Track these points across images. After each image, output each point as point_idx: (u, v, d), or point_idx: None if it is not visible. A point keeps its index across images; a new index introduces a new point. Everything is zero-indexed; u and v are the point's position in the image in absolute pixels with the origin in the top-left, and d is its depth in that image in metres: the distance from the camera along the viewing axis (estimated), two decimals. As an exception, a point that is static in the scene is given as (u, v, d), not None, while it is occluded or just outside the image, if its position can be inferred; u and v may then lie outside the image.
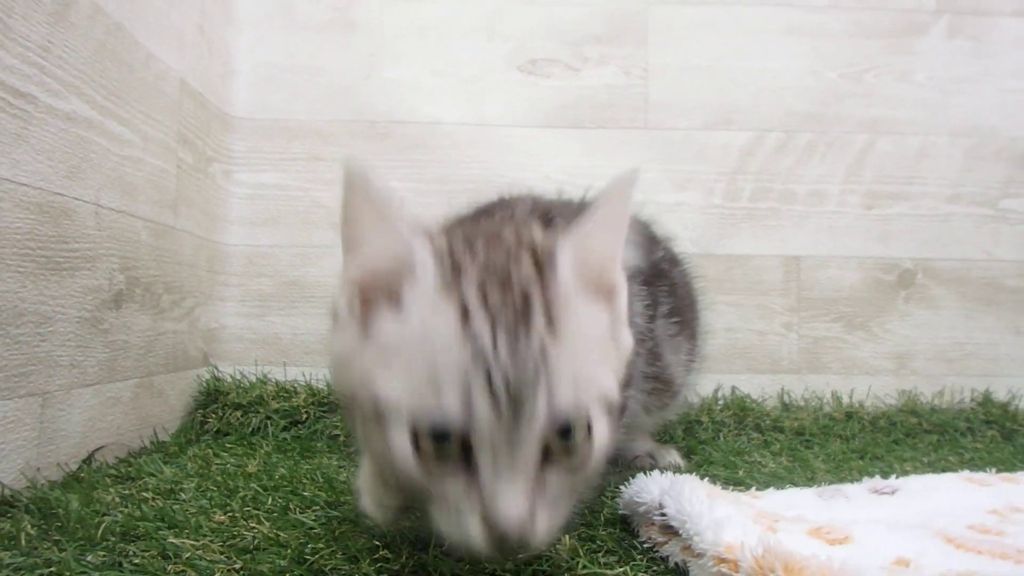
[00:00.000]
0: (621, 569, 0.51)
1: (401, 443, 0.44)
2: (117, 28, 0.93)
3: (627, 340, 0.54)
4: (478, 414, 0.43)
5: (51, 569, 0.52)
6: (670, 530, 0.56)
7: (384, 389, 0.45)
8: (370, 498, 0.57)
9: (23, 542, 0.58)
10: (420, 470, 0.44)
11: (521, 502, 0.43)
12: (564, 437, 0.45)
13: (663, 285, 0.82)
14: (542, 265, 0.49)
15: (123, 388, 0.98)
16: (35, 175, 0.77)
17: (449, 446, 0.44)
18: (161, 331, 1.09)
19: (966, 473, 0.75)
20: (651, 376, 0.79)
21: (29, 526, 0.62)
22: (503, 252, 0.50)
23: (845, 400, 1.36)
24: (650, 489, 0.61)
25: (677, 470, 0.97)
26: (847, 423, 1.28)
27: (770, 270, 1.42)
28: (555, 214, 0.71)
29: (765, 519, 0.56)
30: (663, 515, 0.57)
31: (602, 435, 0.48)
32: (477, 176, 1.39)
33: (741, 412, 1.29)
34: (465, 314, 0.45)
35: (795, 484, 0.80)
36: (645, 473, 0.66)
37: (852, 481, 0.75)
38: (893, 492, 0.68)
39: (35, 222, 0.77)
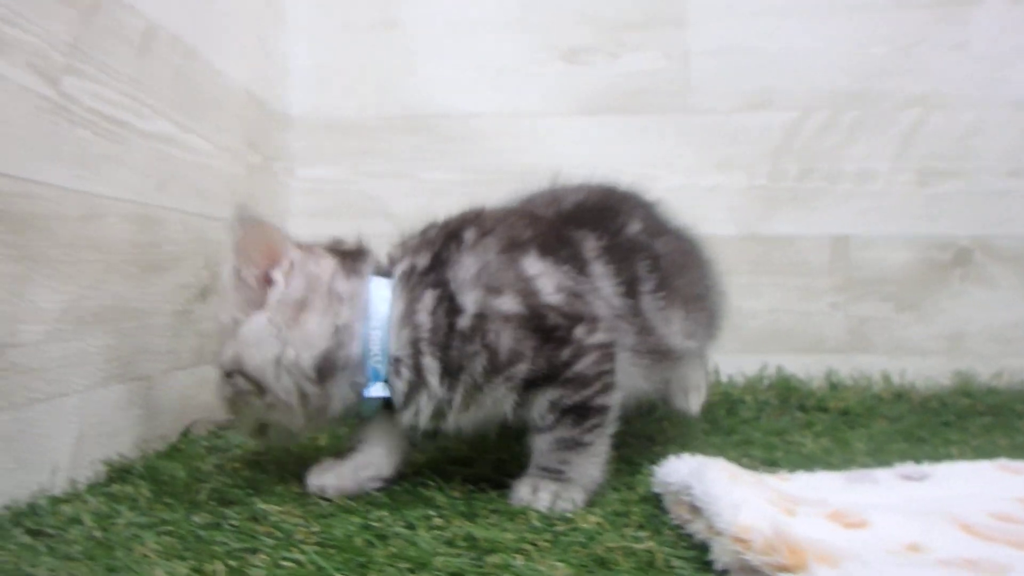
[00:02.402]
0: (649, 543, 0.57)
1: None
2: (191, 52, 1.04)
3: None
4: None
5: (168, 527, 0.63)
6: (697, 509, 0.61)
7: None
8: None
9: (142, 504, 0.69)
10: None
11: None
12: None
13: (643, 259, 0.81)
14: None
15: (212, 370, 1.11)
16: (132, 191, 0.89)
17: None
18: (240, 319, 1.22)
19: (1002, 461, 0.76)
20: (647, 351, 0.79)
21: (145, 490, 0.73)
22: None
23: (896, 380, 1.36)
24: (679, 470, 0.67)
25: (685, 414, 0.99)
26: (895, 404, 1.27)
27: (816, 250, 1.42)
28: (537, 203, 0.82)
29: (785, 502, 0.60)
30: (691, 495, 0.62)
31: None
32: (520, 166, 1.42)
33: (786, 392, 1.31)
34: None
35: (831, 467, 0.83)
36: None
37: (884, 466, 0.77)
38: (922, 479, 0.71)
39: (134, 231, 0.90)
